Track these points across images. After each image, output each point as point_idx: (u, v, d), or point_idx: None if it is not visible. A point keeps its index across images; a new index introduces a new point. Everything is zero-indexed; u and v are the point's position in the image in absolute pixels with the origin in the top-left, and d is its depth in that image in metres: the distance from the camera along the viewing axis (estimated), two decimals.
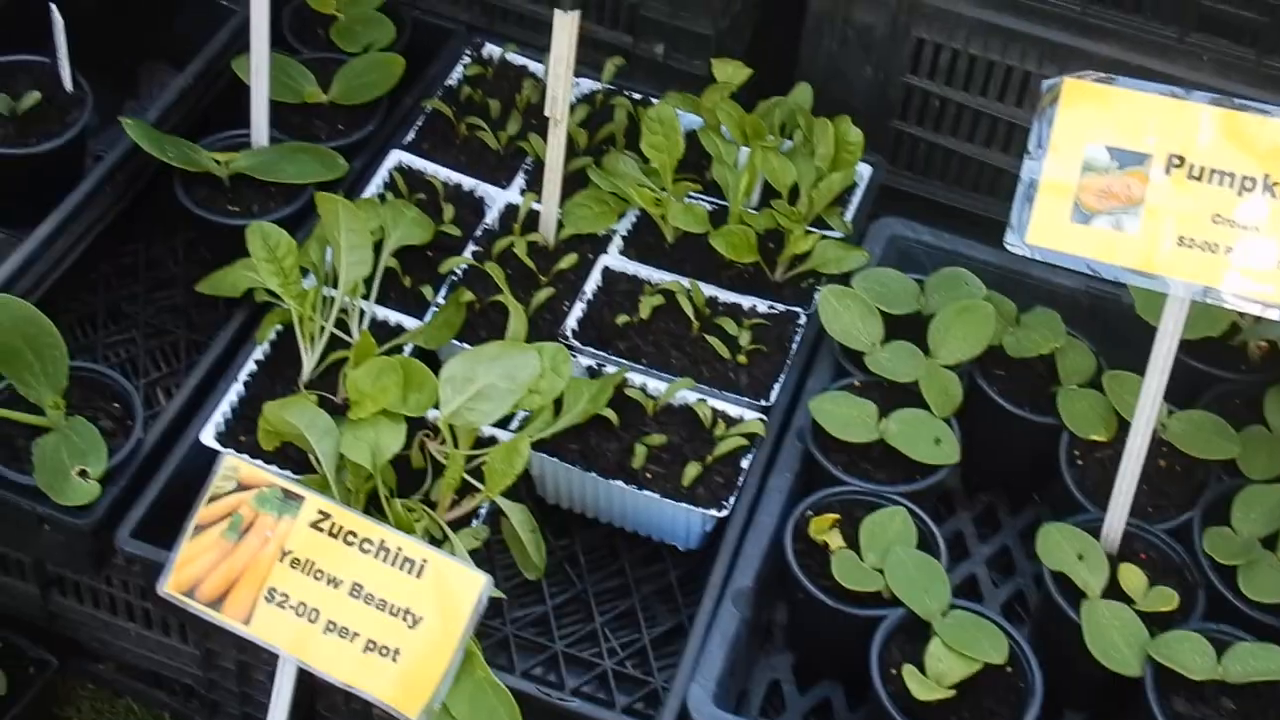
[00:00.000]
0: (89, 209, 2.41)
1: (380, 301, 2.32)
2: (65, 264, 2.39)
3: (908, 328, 2.28)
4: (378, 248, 2.29)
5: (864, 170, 2.50)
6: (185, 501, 1.93)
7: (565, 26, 2.23)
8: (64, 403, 2.13)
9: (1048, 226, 1.92)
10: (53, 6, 2.45)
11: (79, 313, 2.50)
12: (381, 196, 2.45)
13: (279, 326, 2.27)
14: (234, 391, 2.21)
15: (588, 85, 2.61)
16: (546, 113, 2.30)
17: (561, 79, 2.27)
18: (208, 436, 2.16)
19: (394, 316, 2.31)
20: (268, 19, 2.37)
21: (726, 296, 2.35)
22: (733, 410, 2.23)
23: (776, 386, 2.25)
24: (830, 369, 2.29)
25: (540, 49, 2.61)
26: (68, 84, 2.50)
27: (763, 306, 2.34)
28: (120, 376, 2.22)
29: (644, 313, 2.31)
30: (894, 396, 2.22)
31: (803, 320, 2.33)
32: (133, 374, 2.45)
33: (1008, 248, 1.94)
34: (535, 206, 2.41)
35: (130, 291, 2.56)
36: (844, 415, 2.18)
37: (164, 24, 2.74)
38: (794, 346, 2.30)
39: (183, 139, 2.45)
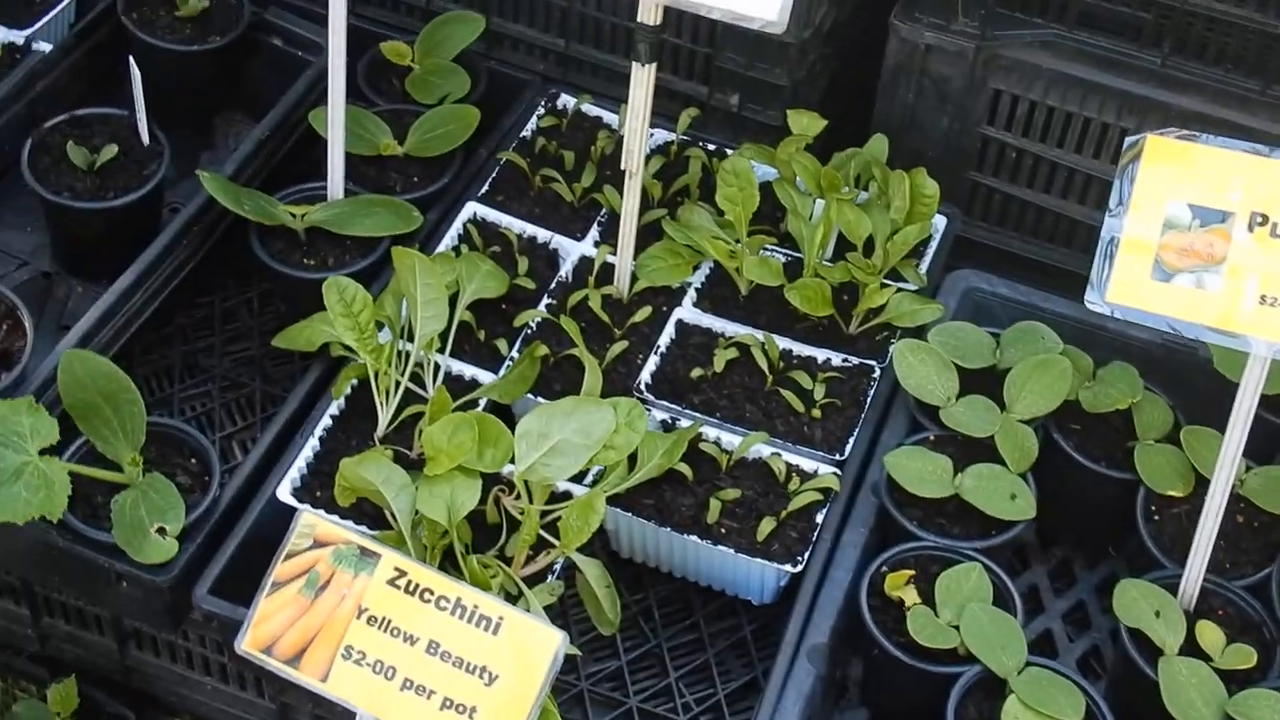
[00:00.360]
0: (166, 262, 2.43)
1: (455, 355, 2.32)
2: (143, 317, 2.41)
3: (983, 381, 2.27)
4: (453, 301, 2.30)
5: (940, 222, 2.49)
6: (263, 557, 1.94)
7: (641, 80, 2.23)
8: (142, 459, 2.15)
9: (1128, 285, 1.90)
10: (131, 60, 2.48)
11: (156, 365, 2.52)
12: (456, 249, 2.45)
13: (354, 381, 2.28)
14: (310, 447, 2.22)
15: (662, 136, 2.61)
16: (622, 166, 2.30)
17: (637, 133, 2.27)
18: (284, 493, 2.17)
19: (469, 370, 2.32)
20: (344, 72, 2.39)
21: (801, 349, 2.34)
22: (807, 464, 2.22)
23: (851, 440, 2.24)
24: (905, 423, 2.28)
25: (615, 100, 2.61)
26: (145, 137, 2.53)
27: (837, 360, 2.34)
28: (197, 432, 2.23)
29: (718, 366, 2.30)
30: (969, 451, 2.21)
31: (877, 373, 2.32)
32: (209, 427, 2.46)
33: (1088, 305, 1.92)
34: (610, 259, 2.42)
35: (207, 344, 2.58)
36: (919, 470, 2.17)
37: (240, 76, 2.77)
38: (868, 400, 2.29)
39: (259, 192, 2.47)
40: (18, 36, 2.71)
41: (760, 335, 2.33)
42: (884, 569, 2.11)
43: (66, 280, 2.58)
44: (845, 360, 2.33)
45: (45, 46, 2.70)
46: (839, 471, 2.20)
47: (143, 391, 2.18)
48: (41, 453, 2.08)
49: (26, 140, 2.50)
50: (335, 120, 2.43)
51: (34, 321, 2.30)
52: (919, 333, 2.32)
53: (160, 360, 2.54)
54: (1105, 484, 2.23)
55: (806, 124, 2.50)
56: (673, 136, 2.61)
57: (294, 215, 2.43)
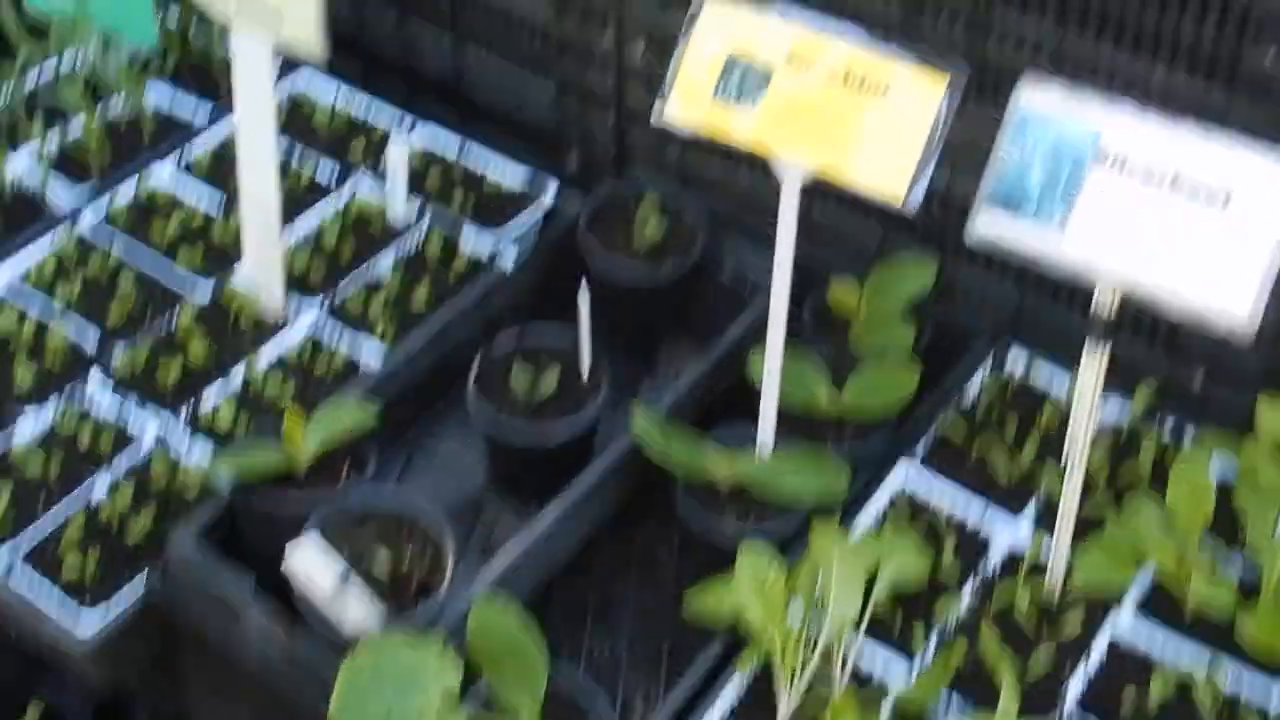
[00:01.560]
0: (591, 501, 2.42)
1: (869, 636, 2.21)
2: (563, 556, 2.41)
3: None
4: (871, 583, 2.19)
5: None
6: None
7: (1093, 364, 2.08)
8: (539, 716, 2.12)
9: None
10: (580, 300, 2.49)
11: (570, 604, 2.50)
12: (882, 516, 2.35)
13: (759, 658, 2.20)
14: None
15: (1114, 409, 2.43)
16: (1065, 457, 2.14)
17: (1083, 422, 2.12)
18: None
19: (880, 657, 2.20)
20: (784, 324, 2.33)
21: (1254, 682, 2.11)
22: None
23: None
24: None
25: (1069, 361, 2.44)
26: (585, 374, 2.54)
27: None
28: (596, 694, 2.18)
29: (1154, 694, 2.10)
30: None
31: None
32: (614, 677, 2.42)
33: None
34: (1043, 547, 2.25)
35: (621, 588, 2.54)
36: None
37: (689, 305, 2.76)
38: None
39: (689, 435, 2.43)
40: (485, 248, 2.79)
41: (1205, 663, 2.11)
42: None
43: (497, 503, 2.60)
44: None
45: (509, 258, 2.77)
46: None
47: (554, 631, 2.15)
48: (441, 697, 2.09)
49: (476, 358, 2.56)
50: (771, 370, 2.37)
51: (456, 553, 2.32)
52: None
53: (575, 600, 2.50)
54: None
55: (1278, 420, 2.27)
56: (1126, 411, 2.43)
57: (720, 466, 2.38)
